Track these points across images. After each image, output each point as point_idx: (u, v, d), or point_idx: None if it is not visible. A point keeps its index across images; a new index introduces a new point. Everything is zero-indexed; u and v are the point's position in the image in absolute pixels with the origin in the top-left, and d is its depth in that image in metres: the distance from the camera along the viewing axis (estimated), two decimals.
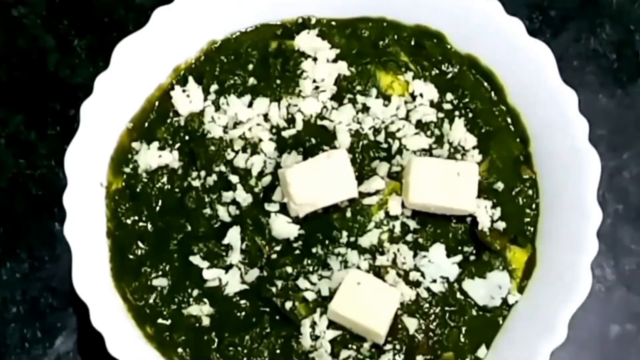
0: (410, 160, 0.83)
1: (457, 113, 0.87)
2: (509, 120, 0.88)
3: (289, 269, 0.82)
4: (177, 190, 0.85)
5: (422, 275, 0.82)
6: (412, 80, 0.88)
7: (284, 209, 0.83)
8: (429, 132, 0.86)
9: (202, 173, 0.85)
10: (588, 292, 0.78)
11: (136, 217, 0.84)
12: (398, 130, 0.86)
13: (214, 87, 0.88)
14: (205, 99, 0.88)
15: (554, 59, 0.84)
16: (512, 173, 0.86)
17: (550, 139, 0.85)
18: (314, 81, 0.88)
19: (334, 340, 0.80)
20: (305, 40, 0.89)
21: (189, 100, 0.87)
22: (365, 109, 0.87)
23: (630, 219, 0.92)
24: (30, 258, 0.89)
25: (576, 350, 0.86)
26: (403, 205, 0.84)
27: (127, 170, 0.85)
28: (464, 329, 0.82)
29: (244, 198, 0.84)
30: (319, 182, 0.81)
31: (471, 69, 0.89)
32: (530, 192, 0.85)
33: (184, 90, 0.87)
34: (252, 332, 0.80)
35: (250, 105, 0.87)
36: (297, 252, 0.82)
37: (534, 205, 0.85)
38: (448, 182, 0.82)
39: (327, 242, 0.83)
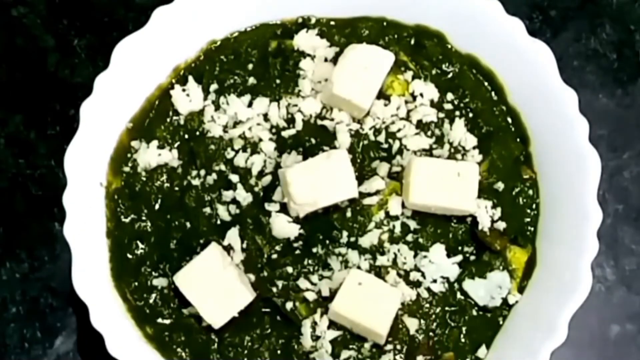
0: (410, 161, 0.83)
1: (457, 113, 0.87)
2: (509, 120, 0.88)
3: (290, 269, 0.82)
4: (176, 189, 0.85)
5: (423, 275, 0.82)
6: (412, 80, 0.88)
7: (284, 209, 0.83)
8: (429, 132, 0.86)
9: (202, 172, 0.85)
10: (588, 292, 0.78)
11: (135, 217, 0.84)
12: (398, 130, 0.86)
13: (213, 86, 0.88)
14: (205, 98, 0.87)
15: (554, 58, 0.84)
16: (513, 173, 0.86)
17: (550, 139, 0.85)
18: (313, 82, 0.88)
19: (335, 341, 0.80)
20: (305, 40, 0.89)
21: (188, 99, 0.87)
22: None
23: (630, 219, 0.92)
24: (30, 258, 0.89)
25: (576, 350, 0.86)
26: (403, 206, 0.84)
27: (127, 169, 0.85)
28: (464, 329, 0.82)
29: (244, 197, 0.84)
30: (319, 182, 0.81)
31: (471, 69, 0.89)
32: (530, 192, 0.85)
33: (183, 90, 0.87)
34: (252, 332, 0.80)
35: (250, 104, 0.87)
36: (298, 252, 0.82)
37: (534, 205, 0.85)
38: (448, 183, 0.82)
39: (327, 242, 0.83)
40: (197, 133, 0.86)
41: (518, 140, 0.87)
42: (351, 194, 0.82)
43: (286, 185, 0.81)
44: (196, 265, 0.80)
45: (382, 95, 0.87)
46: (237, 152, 0.86)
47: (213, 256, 0.80)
